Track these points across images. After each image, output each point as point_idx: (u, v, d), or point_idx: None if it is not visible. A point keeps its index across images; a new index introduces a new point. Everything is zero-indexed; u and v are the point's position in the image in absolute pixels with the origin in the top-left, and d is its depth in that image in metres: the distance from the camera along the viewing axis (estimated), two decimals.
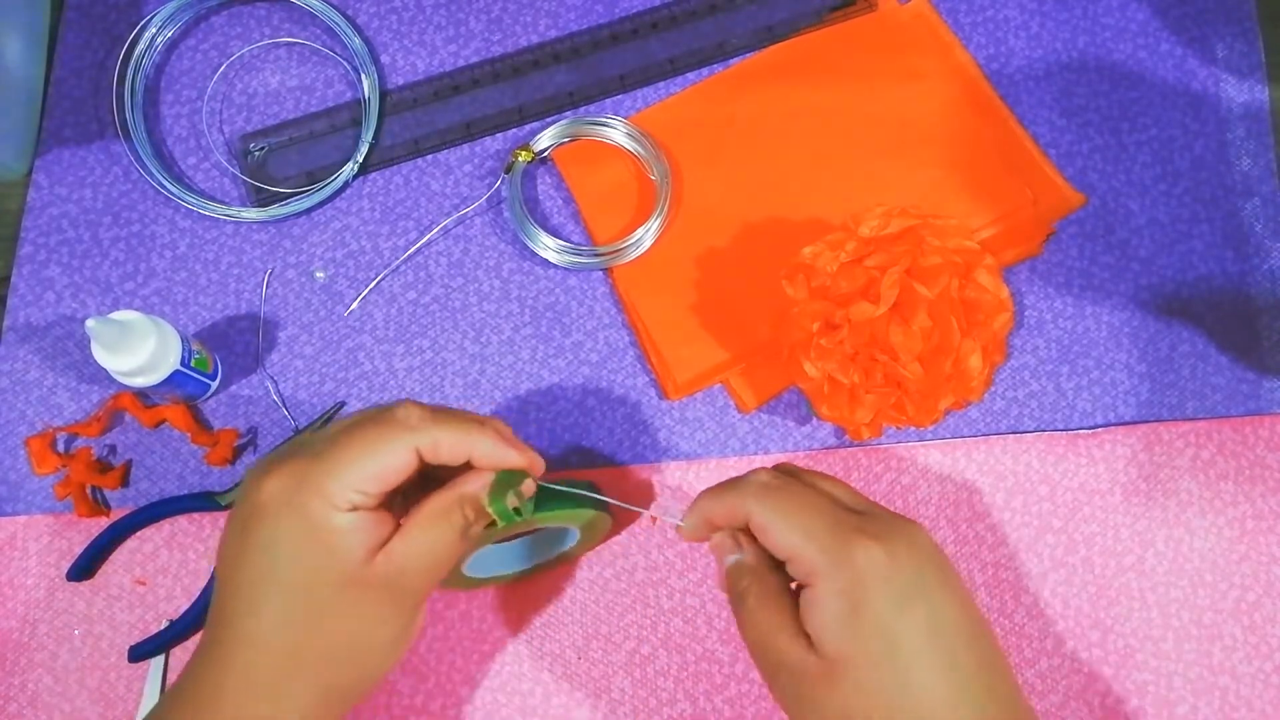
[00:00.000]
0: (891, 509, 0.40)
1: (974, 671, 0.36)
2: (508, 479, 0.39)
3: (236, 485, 0.52)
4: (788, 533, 0.37)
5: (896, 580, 0.36)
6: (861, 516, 0.38)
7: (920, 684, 0.35)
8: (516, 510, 0.38)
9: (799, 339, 0.49)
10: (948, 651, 0.36)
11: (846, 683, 0.35)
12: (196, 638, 0.50)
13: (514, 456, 0.39)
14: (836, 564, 0.36)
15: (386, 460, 0.37)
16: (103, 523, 0.51)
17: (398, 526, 0.38)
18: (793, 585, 0.38)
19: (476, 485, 0.38)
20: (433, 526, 0.38)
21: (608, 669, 0.50)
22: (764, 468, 0.40)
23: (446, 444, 0.38)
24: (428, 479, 0.39)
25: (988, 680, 0.36)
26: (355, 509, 0.36)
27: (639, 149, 0.57)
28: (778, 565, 0.39)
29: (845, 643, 0.35)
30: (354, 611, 0.36)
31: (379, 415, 0.38)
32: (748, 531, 0.39)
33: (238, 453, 0.53)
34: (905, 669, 0.35)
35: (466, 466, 0.39)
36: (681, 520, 0.41)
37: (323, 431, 0.39)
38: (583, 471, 0.53)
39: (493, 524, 0.39)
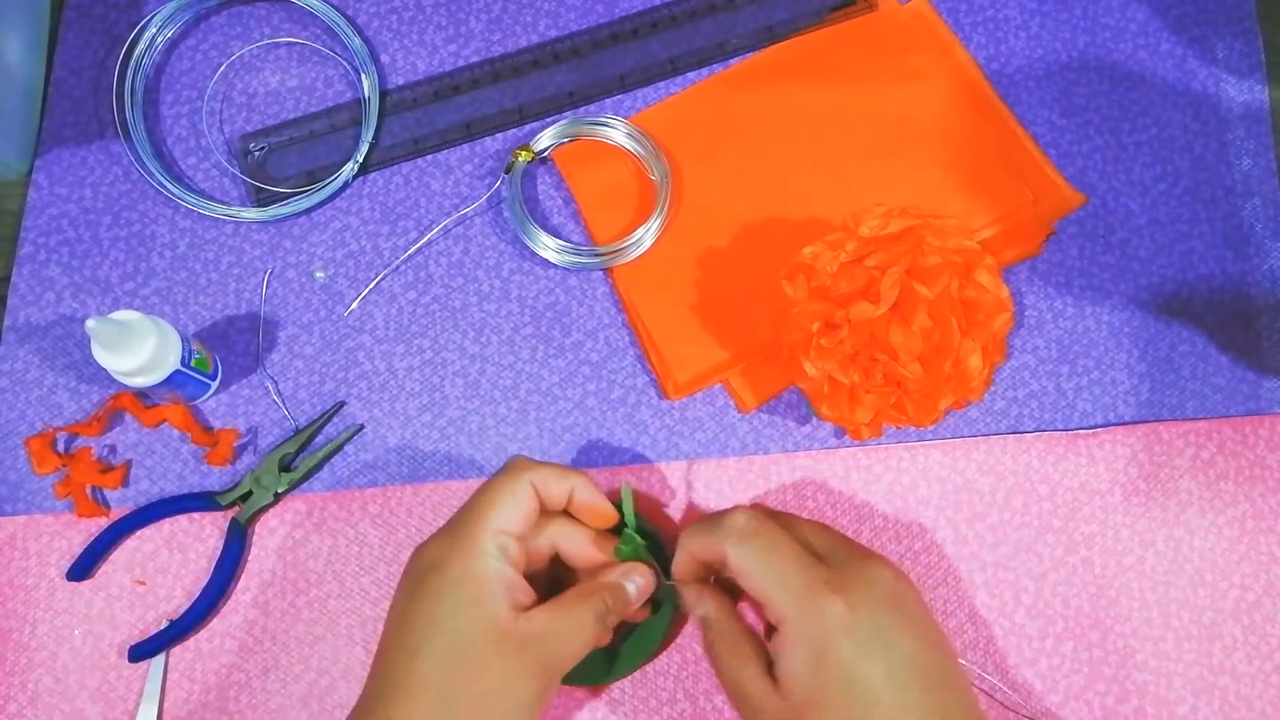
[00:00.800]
0: (862, 543, 0.45)
1: (930, 711, 0.39)
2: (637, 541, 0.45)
3: (236, 485, 0.52)
4: (763, 581, 0.41)
5: (858, 632, 0.39)
6: (829, 567, 0.41)
7: None
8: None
9: (799, 339, 0.49)
10: (903, 694, 0.39)
11: None
12: (196, 637, 0.50)
13: (606, 506, 0.46)
14: (805, 616, 0.39)
15: (514, 497, 0.42)
16: (103, 523, 0.51)
17: (539, 602, 0.42)
18: (761, 627, 0.42)
19: (615, 575, 0.44)
20: (575, 605, 0.42)
21: None
22: (742, 508, 0.44)
23: (553, 480, 0.44)
24: (559, 583, 0.46)
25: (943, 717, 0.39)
26: (504, 557, 0.41)
27: (639, 149, 0.57)
28: (741, 613, 0.43)
29: (811, 690, 0.39)
30: (501, 663, 0.39)
31: (497, 472, 0.44)
32: (717, 578, 0.44)
33: (238, 453, 0.53)
34: (865, 713, 0.38)
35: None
36: (675, 572, 0.46)
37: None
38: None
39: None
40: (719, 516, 0.44)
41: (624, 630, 0.47)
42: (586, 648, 0.42)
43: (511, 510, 0.42)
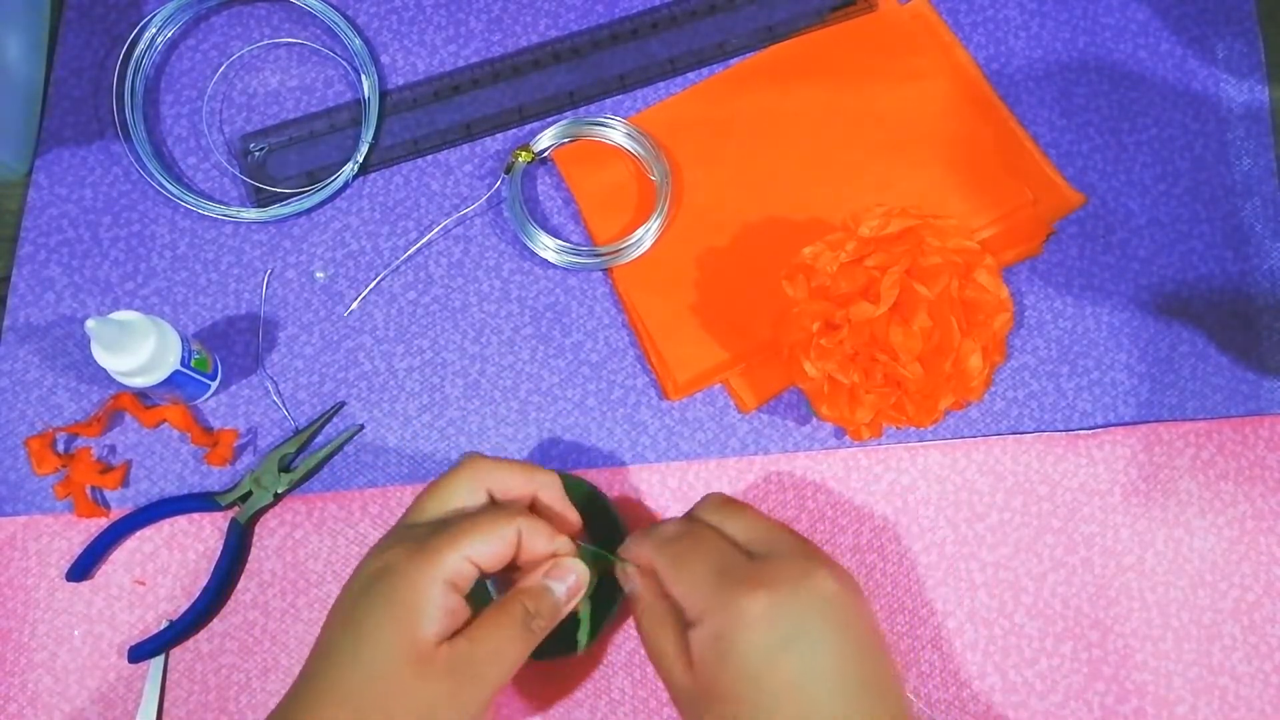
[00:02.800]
0: (817, 544, 0.44)
1: (845, 717, 0.38)
2: (595, 553, 0.44)
3: (236, 485, 0.52)
4: (676, 582, 0.41)
5: (775, 628, 0.38)
6: (756, 563, 0.41)
7: None
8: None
9: (799, 339, 0.49)
10: (811, 700, 0.38)
11: (715, 710, 0.39)
12: (196, 638, 0.50)
13: (569, 510, 0.44)
14: (713, 611, 0.39)
15: (499, 536, 0.40)
16: (103, 523, 0.51)
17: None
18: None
19: (538, 577, 0.42)
20: (498, 622, 0.40)
21: (608, 669, 0.50)
22: (674, 518, 0.45)
23: (541, 534, 0.42)
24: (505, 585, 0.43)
25: None
26: (453, 586, 0.39)
27: (639, 149, 0.57)
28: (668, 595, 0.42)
29: (715, 681, 0.39)
30: (425, 689, 0.38)
31: (485, 506, 0.43)
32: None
33: (238, 453, 0.53)
34: (771, 710, 0.38)
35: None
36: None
37: (425, 517, 0.42)
38: (583, 471, 0.53)
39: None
40: (653, 526, 0.44)
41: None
42: (517, 662, 0.40)
43: (489, 547, 0.40)
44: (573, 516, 0.44)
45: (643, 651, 0.50)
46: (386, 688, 0.37)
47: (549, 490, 0.44)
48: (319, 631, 0.40)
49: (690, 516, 0.45)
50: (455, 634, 0.39)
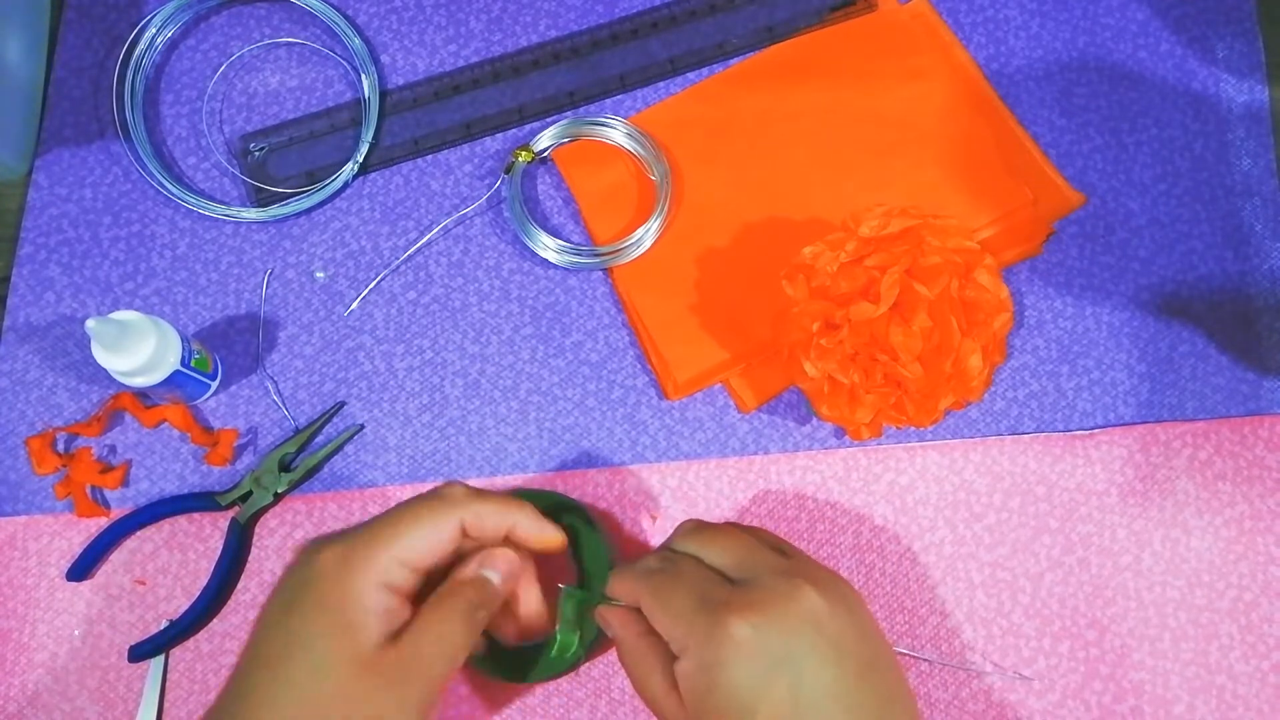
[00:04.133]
0: (805, 551, 0.43)
1: None
2: (581, 598, 0.44)
3: (236, 485, 0.52)
4: (660, 615, 0.40)
5: (763, 654, 0.37)
6: (739, 589, 0.39)
7: None
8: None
9: (799, 339, 0.49)
10: None
11: None
12: (196, 638, 0.50)
13: (551, 531, 0.43)
14: (699, 641, 0.38)
15: (433, 532, 0.39)
16: (103, 523, 0.51)
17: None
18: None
19: (473, 568, 0.41)
20: (438, 616, 0.39)
21: (607, 669, 0.50)
22: (655, 552, 0.43)
23: (490, 517, 0.41)
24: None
25: None
26: (390, 587, 0.38)
27: (639, 149, 0.57)
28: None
29: (705, 713, 0.38)
30: (369, 696, 0.37)
31: (426, 494, 0.41)
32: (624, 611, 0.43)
33: (238, 453, 0.53)
34: None
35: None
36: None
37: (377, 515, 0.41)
38: (579, 475, 0.53)
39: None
40: (636, 563, 0.43)
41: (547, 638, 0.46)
42: (461, 653, 0.39)
43: (421, 543, 0.39)
44: (552, 535, 0.43)
45: None
46: (330, 699, 0.36)
47: (525, 524, 0.42)
48: (248, 639, 0.39)
49: (668, 548, 0.43)
50: (397, 633, 0.38)
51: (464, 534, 0.40)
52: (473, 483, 0.52)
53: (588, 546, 0.49)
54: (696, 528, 0.44)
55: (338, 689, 0.36)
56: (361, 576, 0.38)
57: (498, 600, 0.41)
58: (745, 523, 0.52)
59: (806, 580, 0.39)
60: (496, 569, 0.41)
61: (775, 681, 0.37)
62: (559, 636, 0.44)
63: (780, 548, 0.43)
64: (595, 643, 0.47)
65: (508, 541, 0.42)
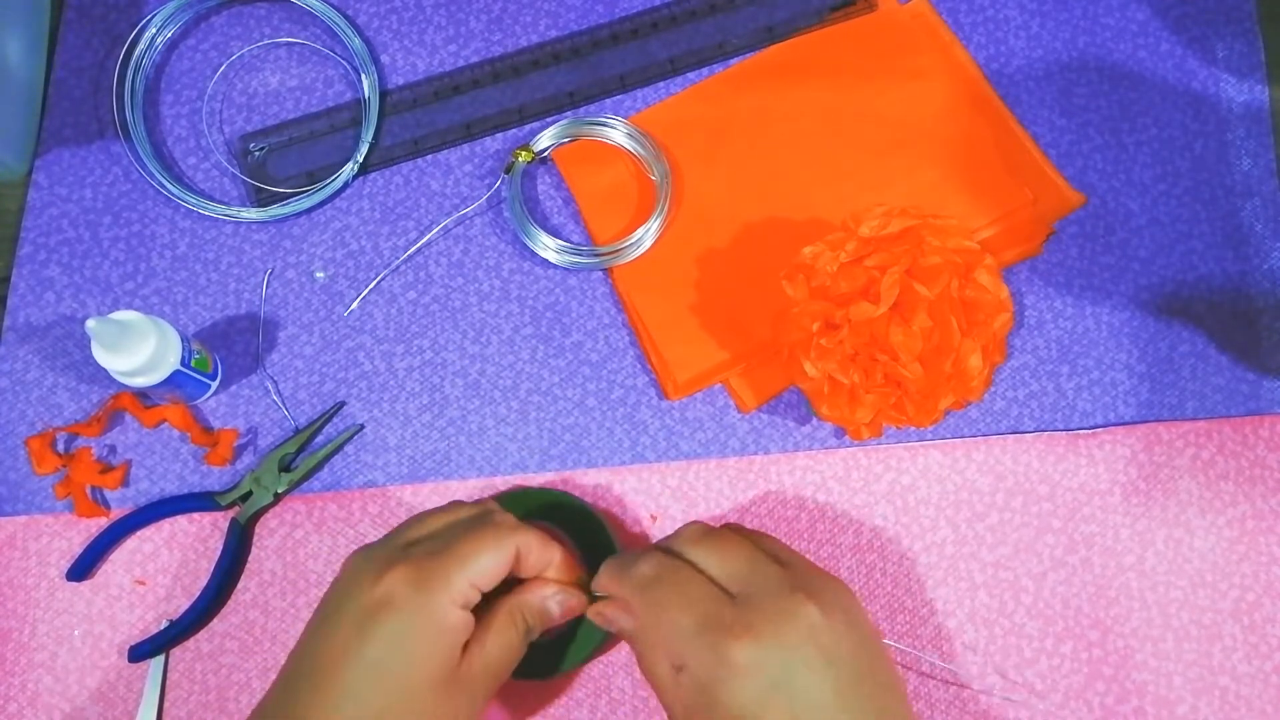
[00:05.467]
0: (805, 557, 0.44)
1: None
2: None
3: (236, 485, 0.52)
4: (657, 628, 0.41)
5: (759, 676, 0.38)
6: (738, 608, 0.39)
7: None
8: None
9: (799, 339, 0.49)
10: None
11: None
12: (197, 638, 0.50)
13: (582, 574, 0.45)
14: (698, 661, 0.39)
15: (498, 556, 0.41)
16: (103, 523, 0.51)
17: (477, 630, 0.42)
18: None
19: (537, 597, 0.43)
20: (506, 629, 0.42)
21: (608, 669, 0.50)
22: (653, 552, 0.43)
23: (535, 551, 0.43)
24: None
25: None
26: (466, 607, 0.40)
27: (639, 149, 0.57)
28: None
29: None
30: (443, 709, 0.39)
31: (480, 520, 0.43)
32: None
33: (238, 453, 0.53)
34: None
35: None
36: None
37: (421, 531, 0.43)
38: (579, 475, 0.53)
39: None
40: (629, 559, 0.43)
41: (566, 627, 0.47)
42: (513, 667, 0.43)
43: (491, 566, 0.41)
44: (577, 599, 0.44)
45: None
46: (408, 715, 0.38)
47: (558, 568, 0.44)
48: (300, 655, 0.40)
49: (667, 549, 0.43)
50: (466, 645, 0.41)
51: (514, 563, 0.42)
52: (471, 484, 0.52)
53: (594, 533, 0.49)
54: (700, 534, 0.43)
55: (421, 705, 0.39)
56: (441, 598, 0.39)
57: (549, 626, 0.44)
58: (745, 523, 0.52)
59: (805, 593, 0.40)
60: (561, 606, 0.44)
61: (773, 701, 0.38)
62: (583, 623, 0.46)
63: (780, 556, 0.42)
64: (591, 650, 0.48)
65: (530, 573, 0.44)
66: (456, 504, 0.46)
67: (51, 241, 0.56)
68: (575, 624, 0.48)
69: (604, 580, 0.44)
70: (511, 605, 0.43)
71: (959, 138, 0.57)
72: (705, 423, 0.54)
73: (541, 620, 0.43)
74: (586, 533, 0.49)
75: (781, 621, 0.39)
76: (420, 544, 0.42)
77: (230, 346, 0.54)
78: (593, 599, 0.44)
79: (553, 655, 0.48)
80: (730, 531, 0.44)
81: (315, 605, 0.50)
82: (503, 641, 0.42)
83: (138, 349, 0.46)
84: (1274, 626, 0.51)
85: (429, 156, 0.57)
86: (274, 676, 0.49)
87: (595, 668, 0.50)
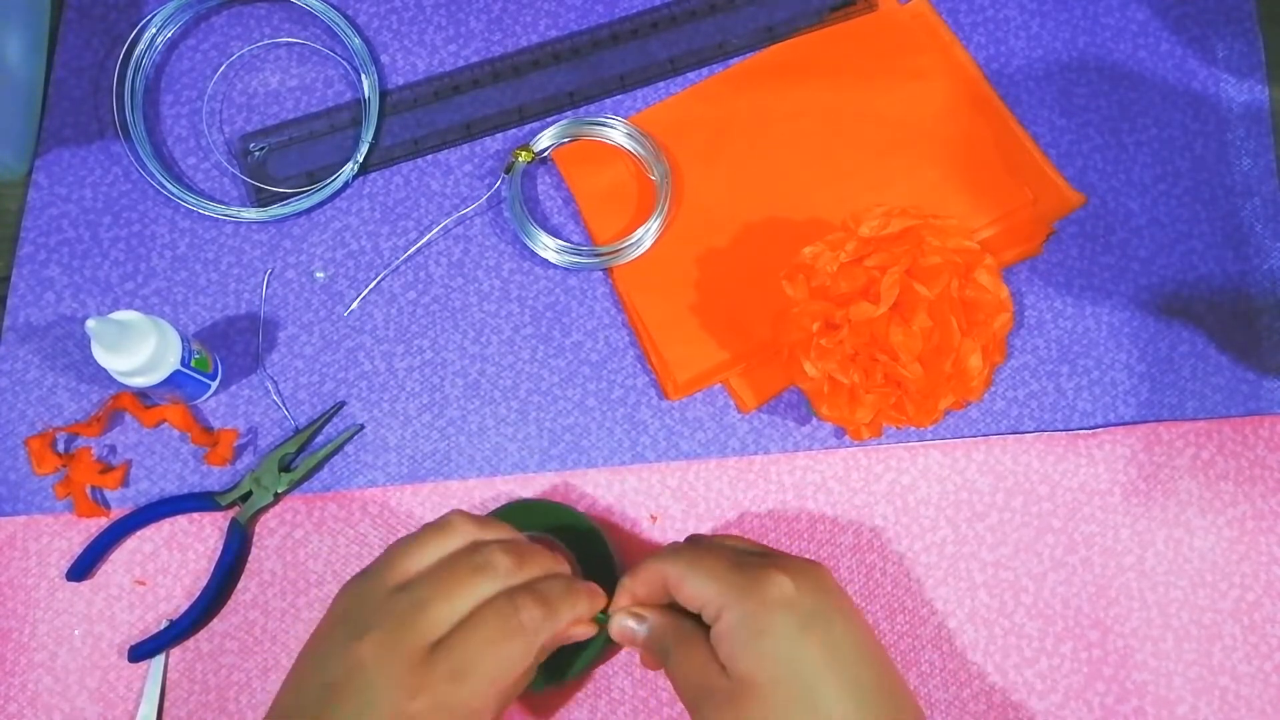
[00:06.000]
0: (862, 543, 0.45)
1: (874, 689, 0.39)
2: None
3: (236, 485, 0.52)
4: (695, 580, 0.41)
5: (798, 608, 0.39)
6: (765, 557, 0.42)
7: (824, 700, 0.38)
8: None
9: (799, 339, 0.49)
10: (849, 671, 0.39)
11: (754, 701, 0.38)
12: (196, 638, 0.50)
13: (584, 630, 0.43)
14: (740, 596, 0.39)
15: (521, 667, 0.40)
16: (103, 523, 0.51)
17: None
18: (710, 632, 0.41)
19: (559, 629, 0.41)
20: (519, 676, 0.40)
21: (608, 669, 0.50)
22: (675, 542, 0.45)
23: (564, 625, 0.41)
24: None
25: (890, 700, 0.39)
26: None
27: (639, 149, 0.57)
28: (689, 615, 0.42)
29: (751, 664, 0.38)
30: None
31: (467, 565, 0.41)
32: (650, 605, 0.43)
33: (238, 453, 0.53)
34: (809, 687, 0.38)
35: None
36: (611, 610, 0.44)
37: (418, 567, 0.41)
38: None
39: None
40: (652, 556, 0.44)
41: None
42: (525, 683, 0.41)
43: (514, 683, 0.40)
44: (584, 630, 0.43)
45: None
46: None
47: (576, 611, 0.42)
48: (303, 683, 0.39)
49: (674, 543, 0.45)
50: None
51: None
52: (471, 484, 0.52)
53: (591, 544, 0.49)
54: (681, 546, 0.44)
55: None
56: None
57: (561, 643, 0.42)
58: (746, 523, 0.52)
59: (807, 559, 0.43)
60: (582, 635, 0.42)
61: (813, 634, 0.39)
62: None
63: (754, 549, 0.44)
64: (593, 659, 0.47)
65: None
66: (449, 527, 0.43)
67: (51, 241, 0.56)
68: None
69: (631, 580, 0.43)
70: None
71: (959, 138, 0.57)
72: (705, 423, 0.54)
73: (556, 644, 0.42)
74: (584, 544, 0.49)
75: (806, 571, 0.41)
76: (409, 590, 0.40)
77: (230, 346, 0.54)
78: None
79: (559, 663, 0.47)
80: (702, 538, 0.46)
81: (315, 605, 0.51)
82: (501, 663, 0.40)
83: (138, 349, 0.46)
84: (1274, 626, 0.51)
85: (429, 156, 0.57)
86: (274, 676, 0.50)
87: (596, 668, 0.50)
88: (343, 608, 0.41)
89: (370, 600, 0.40)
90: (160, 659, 0.50)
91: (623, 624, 0.43)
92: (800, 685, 0.38)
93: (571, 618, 0.41)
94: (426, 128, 0.58)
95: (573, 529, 0.49)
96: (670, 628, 0.42)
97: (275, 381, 0.54)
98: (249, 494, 0.51)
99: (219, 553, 0.51)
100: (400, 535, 0.51)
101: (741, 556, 0.42)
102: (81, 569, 0.50)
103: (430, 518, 0.52)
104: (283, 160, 0.57)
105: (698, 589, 0.40)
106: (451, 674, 0.38)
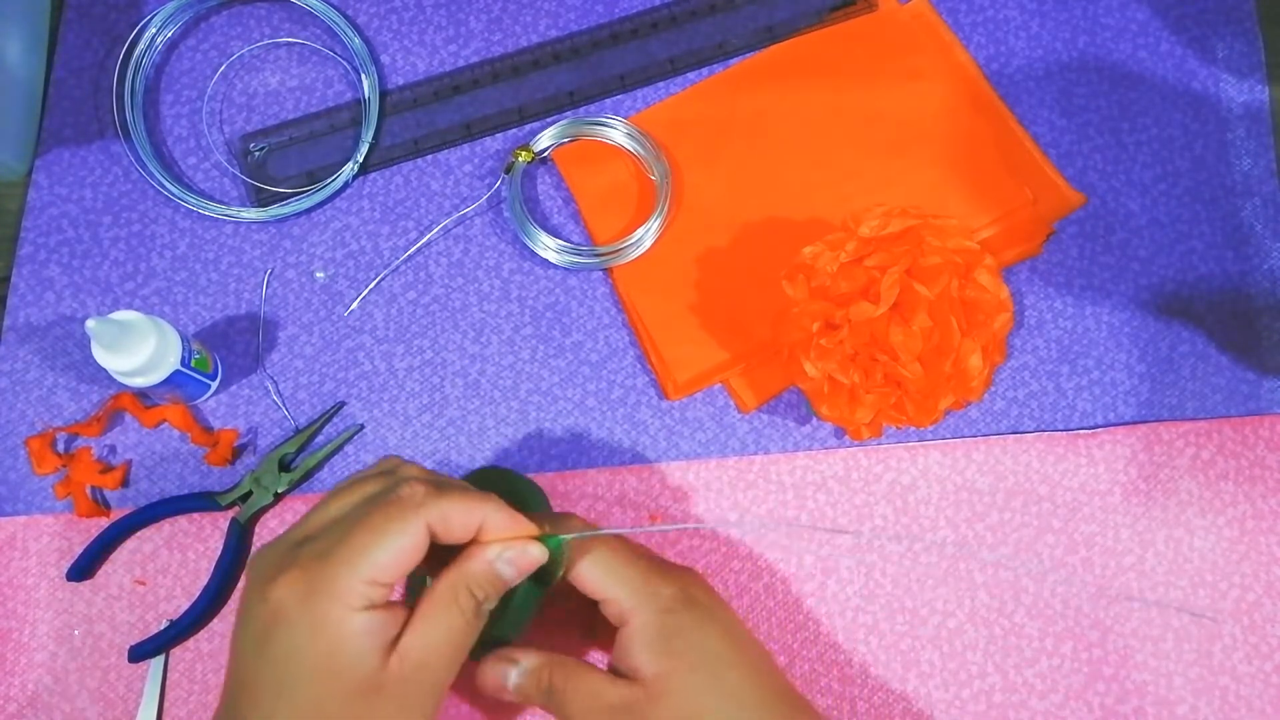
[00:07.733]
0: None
1: (770, 673, 0.43)
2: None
3: (236, 485, 0.52)
4: (603, 578, 0.41)
5: (698, 605, 0.42)
6: (651, 559, 0.44)
7: (731, 683, 0.40)
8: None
9: (799, 339, 0.49)
10: (748, 656, 0.42)
11: (672, 696, 0.39)
12: (196, 638, 0.50)
13: (525, 523, 0.40)
14: (646, 599, 0.41)
15: (399, 543, 0.36)
16: (103, 523, 0.51)
17: (409, 618, 0.37)
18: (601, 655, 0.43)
19: (481, 564, 0.38)
20: (445, 612, 0.37)
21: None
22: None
23: (457, 517, 0.38)
24: (434, 562, 0.38)
25: (781, 679, 0.43)
26: (371, 607, 0.36)
27: (639, 149, 0.57)
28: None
29: (666, 663, 0.40)
30: (378, 712, 0.35)
31: (382, 498, 0.37)
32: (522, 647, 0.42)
33: (238, 453, 0.53)
34: (717, 675, 0.40)
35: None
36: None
37: (322, 520, 0.38)
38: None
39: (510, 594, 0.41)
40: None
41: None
42: (465, 651, 0.38)
43: (387, 558, 0.36)
44: (525, 528, 0.40)
45: None
46: None
47: (495, 521, 0.39)
48: (226, 681, 0.38)
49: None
50: (395, 638, 0.36)
51: (433, 537, 0.37)
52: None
53: (523, 497, 0.47)
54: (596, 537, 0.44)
55: (350, 717, 0.35)
56: (332, 606, 0.35)
57: (505, 588, 0.39)
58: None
59: (683, 567, 0.45)
60: (513, 565, 0.39)
61: (714, 625, 0.42)
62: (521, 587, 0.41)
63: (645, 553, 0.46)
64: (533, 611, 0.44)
65: (481, 538, 0.39)
66: (361, 479, 0.39)
67: (51, 241, 0.56)
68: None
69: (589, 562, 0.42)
70: (448, 583, 0.38)
71: (959, 138, 0.57)
72: (705, 423, 0.54)
73: (494, 587, 0.38)
74: (516, 498, 0.44)
75: (689, 575, 0.44)
76: (316, 539, 0.37)
77: (230, 346, 0.54)
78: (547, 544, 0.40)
79: (502, 618, 0.43)
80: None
81: None
82: (441, 627, 0.37)
83: (138, 349, 0.46)
84: (1274, 626, 0.51)
85: (429, 156, 0.57)
86: None
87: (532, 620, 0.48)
88: (250, 573, 0.38)
89: (275, 557, 0.37)
90: (160, 659, 0.50)
91: (492, 669, 0.41)
92: (709, 673, 0.40)
93: (465, 508, 0.37)
94: (426, 128, 0.58)
95: (500, 484, 0.47)
96: (551, 665, 0.41)
97: (275, 381, 0.54)
98: (249, 494, 0.51)
99: (219, 553, 0.51)
100: None
101: (639, 558, 0.43)
102: (81, 569, 0.50)
103: None
104: (283, 160, 0.57)
105: (603, 587, 0.41)
106: (318, 553, 0.35)
